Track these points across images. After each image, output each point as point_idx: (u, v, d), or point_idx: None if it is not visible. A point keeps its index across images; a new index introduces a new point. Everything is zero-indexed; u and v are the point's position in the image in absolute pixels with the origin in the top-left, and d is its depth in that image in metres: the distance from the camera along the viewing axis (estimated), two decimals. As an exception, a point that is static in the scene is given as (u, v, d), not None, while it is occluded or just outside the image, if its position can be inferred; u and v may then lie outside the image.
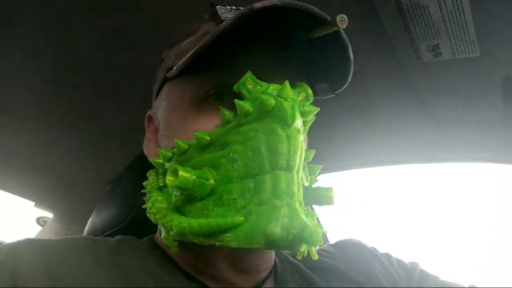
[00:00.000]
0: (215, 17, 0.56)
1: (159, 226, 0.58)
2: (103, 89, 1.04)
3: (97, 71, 0.98)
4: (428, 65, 0.82)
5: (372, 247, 0.71)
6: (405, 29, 0.73)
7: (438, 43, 0.75)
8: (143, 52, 0.91)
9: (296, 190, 0.44)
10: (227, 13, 0.56)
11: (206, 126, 0.50)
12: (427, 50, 0.78)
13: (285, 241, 0.40)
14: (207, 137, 0.48)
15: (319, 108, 0.49)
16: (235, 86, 0.48)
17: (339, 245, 0.73)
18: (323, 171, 1.14)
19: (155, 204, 0.51)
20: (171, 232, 0.49)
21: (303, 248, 0.43)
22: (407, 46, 0.78)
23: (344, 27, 0.46)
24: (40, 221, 1.63)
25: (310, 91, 0.50)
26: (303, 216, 0.42)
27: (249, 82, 0.47)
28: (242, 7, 0.56)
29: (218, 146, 0.48)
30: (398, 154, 1.12)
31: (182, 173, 0.46)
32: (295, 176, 0.44)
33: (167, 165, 0.53)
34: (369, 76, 0.90)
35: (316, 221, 0.51)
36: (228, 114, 0.48)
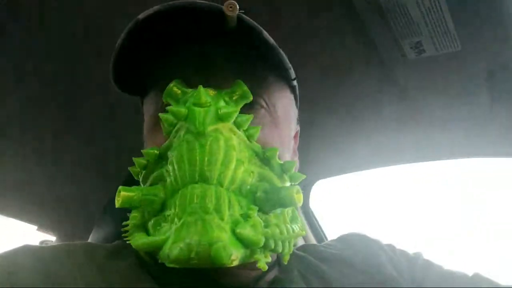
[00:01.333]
0: None
1: None
2: (101, 111, 1.06)
3: (94, 95, 1.00)
4: (414, 63, 0.84)
5: (376, 239, 0.71)
6: (387, 28, 0.75)
7: (421, 40, 0.77)
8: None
9: (212, 203, 0.40)
10: None
11: (161, 140, 0.49)
12: (411, 48, 0.80)
13: (190, 260, 0.37)
14: (156, 151, 0.47)
15: (238, 109, 0.46)
16: (163, 98, 0.47)
17: (343, 238, 0.73)
18: (321, 176, 1.14)
19: (131, 221, 0.49)
20: None
21: (235, 262, 0.39)
22: (391, 45, 0.80)
23: (234, 14, 0.44)
24: (43, 244, 1.63)
25: (245, 88, 0.47)
26: (219, 231, 0.39)
27: (175, 91, 0.46)
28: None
29: (165, 160, 0.46)
30: (388, 155, 1.12)
31: (124, 192, 0.44)
32: (214, 187, 0.41)
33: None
34: (355, 77, 0.92)
35: (260, 231, 0.43)
36: (167, 127, 0.46)
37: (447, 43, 0.77)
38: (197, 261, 0.37)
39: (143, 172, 0.49)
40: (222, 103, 0.45)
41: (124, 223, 0.51)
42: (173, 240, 0.39)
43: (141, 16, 0.46)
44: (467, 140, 1.00)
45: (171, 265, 0.39)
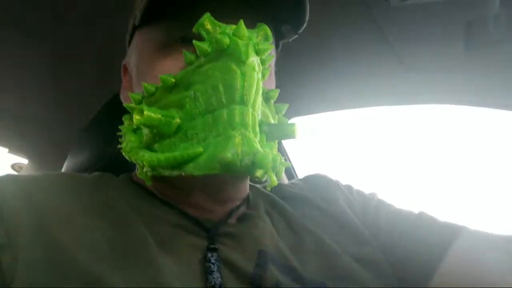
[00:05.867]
0: None
1: (136, 165, 0.61)
2: (77, 34, 1.02)
3: (70, 19, 0.97)
4: (396, 10, 0.84)
5: (336, 180, 0.77)
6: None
7: (405, -13, 0.77)
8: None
9: (250, 122, 0.47)
10: None
11: (172, 69, 0.53)
12: (394, -6, 0.79)
13: (238, 165, 0.44)
14: (172, 79, 0.51)
15: (273, 46, 0.52)
16: (194, 28, 0.50)
17: (307, 178, 0.80)
18: (291, 115, 1.16)
19: (129, 144, 0.55)
20: (145, 168, 0.53)
21: (260, 173, 0.47)
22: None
23: None
24: (15, 167, 1.63)
25: (268, 31, 0.52)
26: (256, 144, 0.46)
27: (207, 23, 0.49)
28: None
29: (183, 87, 0.51)
30: (365, 98, 1.15)
31: (147, 112, 0.49)
32: (250, 109, 0.48)
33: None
34: (337, 20, 0.92)
35: (275, 152, 0.56)
36: (190, 56, 0.51)
37: (431, -8, 0.76)
38: (242, 167, 0.45)
39: (150, 98, 0.53)
40: (256, 39, 0.50)
41: (120, 146, 0.58)
42: (218, 150, 0.45)
43: None
44: (441, 87, 1.03)
45: (203, 173, 0.46)
